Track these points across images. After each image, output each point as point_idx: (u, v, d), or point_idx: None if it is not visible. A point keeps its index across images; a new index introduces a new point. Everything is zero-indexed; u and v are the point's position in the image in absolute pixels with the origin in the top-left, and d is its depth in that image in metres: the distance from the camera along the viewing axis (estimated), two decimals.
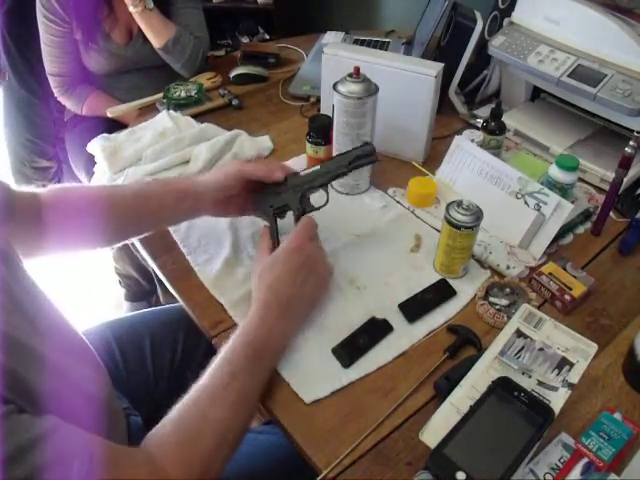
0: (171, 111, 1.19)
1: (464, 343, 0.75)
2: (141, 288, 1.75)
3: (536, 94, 1.23)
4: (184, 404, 0.61)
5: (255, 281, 0.75)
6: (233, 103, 1.28)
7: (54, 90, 1.55)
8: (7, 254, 0.60)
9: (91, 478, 0.47)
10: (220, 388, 0.62)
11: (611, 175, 0.92)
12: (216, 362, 0.65)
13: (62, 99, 1.58)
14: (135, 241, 0.93)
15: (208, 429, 0.59)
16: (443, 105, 1.19)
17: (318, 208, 0.84)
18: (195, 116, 1.21)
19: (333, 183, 1.02)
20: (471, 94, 1.28)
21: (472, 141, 1.00)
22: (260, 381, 0.67)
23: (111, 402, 0.69)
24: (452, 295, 0.82)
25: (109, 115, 1.40)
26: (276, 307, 0.71)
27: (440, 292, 0.83)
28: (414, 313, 0.79)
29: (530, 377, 0.66)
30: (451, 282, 0.84)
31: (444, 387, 0.67)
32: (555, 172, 0.93)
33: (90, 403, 0.61)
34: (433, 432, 0.60)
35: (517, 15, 1.13)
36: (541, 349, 0.68)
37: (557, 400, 0.63)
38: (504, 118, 1.04)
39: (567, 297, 0.80)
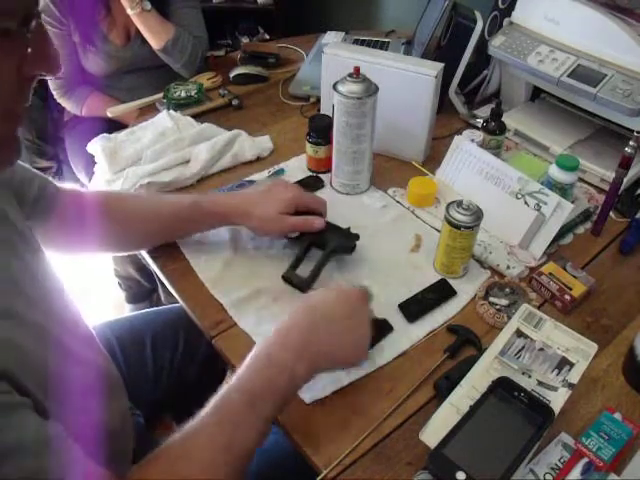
0: (171, 111, 1.19)
1: (464, 343, 0.75)
2: (142, 289, 1.75)
3: (536, 94, 1.23)
4: (168, 453, 0.54)
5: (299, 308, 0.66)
6: (233, 103, 1.28)
7: (53, 92, 1.55)
8: (26, 236, 0.62)
9: None
10: (206, 444, 0.54)
11: (611, 175, 0.92)
12: (211, 402, 0.57)
13: (61, 101, 1.58)
14: None
15: None
16: (443, 105, 1.19)
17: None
18: (195, 116, 1.21)
19: (333, 183, 1.03)
20: (471, 94, 1.28)
21: (472, 141, 1.00)
22: (256, 431, 0.57)
23: (120, 389, 0.70)
24: (452, 295, 0.82)
25: (109, 115, 1.40)
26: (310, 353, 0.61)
27: (440, 292, 0.83)
28: (414, 313, 0.79)
29: (530, 377, 0.66)
30: (451, 282, 0.84)
31: (444, 387, 0.67)
32: (555, 172, 0.93)
33: (99, 387, 0.62)
34: (433, 432, 0.60)
35: (517, 15, 1.13)
36: (541, 349, 0.68)
37: (557, 400, 0.63)
38: (504, 118, 1.04)
39: (567, 297, 0.80)
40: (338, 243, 0.84)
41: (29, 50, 0.47)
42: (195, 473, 0.53)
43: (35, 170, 0.75)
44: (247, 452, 0.56)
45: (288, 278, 0.81)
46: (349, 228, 0.87)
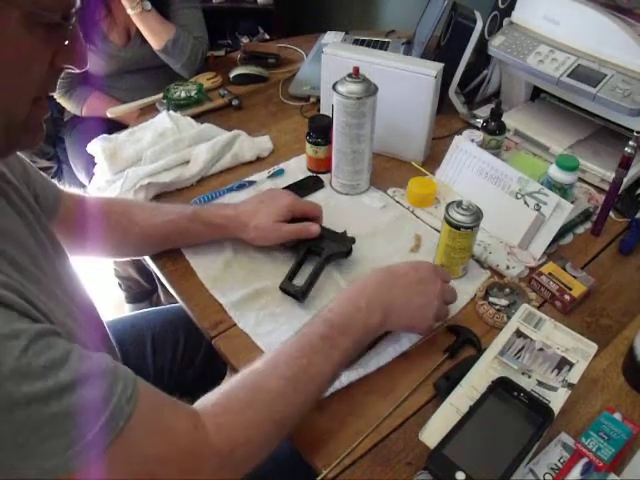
0: (171, 111, 1.19)
1: (464, 343, 0.75)
2: (142, 289, 1.75)
3: (536, 94, 1.23)
4: (244, 371, 0.59)
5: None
6: (233, 103, 1.28)
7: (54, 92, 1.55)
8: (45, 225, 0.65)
9: (131, 406, 0.48)
10: (284, 362, 0.60)
11: (611, 175, 0.93)
12: (296, 333, 0.63)
13: (61, 101, 1.58)
14: None
15: (258, 400, 0.57)
16: (443, 105, 1.19)
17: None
18: (195, 116, 1.21)
19: (333, 184, 1.03)
20: (471, 94, 1.28)
21: (472, 141, 1.00)
22: (332, 363, 0.62)
23: None
24: None
25: (109, 116, 1.40)
26: (377, 295, 0.68)
27: None
28: None
29: (530, 377, 0.66)
30: (451, 282, 0.84)
31: (444, 387, 0.67)
32: (555, 172, 0.93)
33: None
34: (433, 432, 0.60)
35: (517, 15, 1.13)
36: (541, 349, 0.68)
37: (557, 400, 0.63)
38: (504, 118, 1.04)
39: (567, 297, 0.80)
40: (334, 249, 0.85)
41: (66, 43, 0.50)
42: (271, 388, 0.58)
43: (40, 171, 0.76)
44: (321, 377, 0.62)
45: (284, 289, 0.81)
46: (345, 232, 0.87)
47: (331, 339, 0.62)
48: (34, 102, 0.51)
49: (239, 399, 0.57)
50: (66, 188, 0.82)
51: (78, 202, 0.81)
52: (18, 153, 0.69)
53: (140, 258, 0.94)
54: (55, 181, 1.93)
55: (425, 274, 0.72)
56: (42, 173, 0.76)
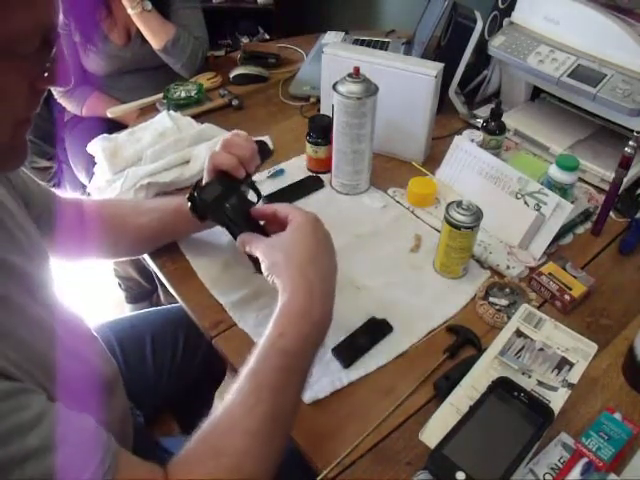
0: (171, 111, 1.19)
1: (464, 343, 0.75)
2: (142, 289, 1.75)
3: (536, 94, 1.23)
4: (205, 428, 0.53)
5: (279, 263, 0.60)
6: (233, 103, 1.28)
7: (54, 92, 1.55)
8: (34, 240, 0.63)
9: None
10: (242, 414, 0.53)
11: (611, 175, 0.93)
12: (243, 372, 0.56)
13: (62, 100, 1.58)
14: None
15: (224, 465, 0.51)
16: (443, 105, 1.19)
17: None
18: (195, 116, 1.21)
19: (333, 184, 1.03)
20: (471, 94, 1.28)
21: (472, 141, 1.00)
22: (295, 392, 0.57)
23: (120, 390, 0.70)
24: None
25: (109, 115, 1.40)
26: (319, 290, 0.59)
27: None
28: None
29: (530, 377, 0.66)
30: (451, 282, 0.84)
31: (444, 387, 0.68)
32: (555, 172, 0.93)
33: (99, 386, 0.63)
34: (433, 432, 0.60)
35: (517, 15, 1.13)
36: (541, 349, 0.68)
37: (557, 400, 0.63)
38: (504, 118, 1.04)
39: (567, 297, 0.80)
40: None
41: (45, 75, 0.47)
42: (237, 448, 0.52)
43: (42, 183, 0.76)
44: (286, 416, 0.56)
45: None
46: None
47: (289, 369, 0.56)
48: (17, 125, 0.49)
49: (204, 464, 0.51)
50: (62, 192, 0.81)
51: (75, 208, 0.81)
52: None
53: (140, 258, 0.94)
54: (55, 181, 1.93)
55: (315, 235, 0.62)
56: (37, 180, 0.76)
